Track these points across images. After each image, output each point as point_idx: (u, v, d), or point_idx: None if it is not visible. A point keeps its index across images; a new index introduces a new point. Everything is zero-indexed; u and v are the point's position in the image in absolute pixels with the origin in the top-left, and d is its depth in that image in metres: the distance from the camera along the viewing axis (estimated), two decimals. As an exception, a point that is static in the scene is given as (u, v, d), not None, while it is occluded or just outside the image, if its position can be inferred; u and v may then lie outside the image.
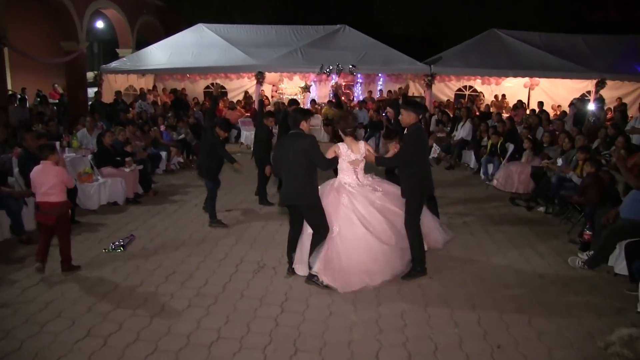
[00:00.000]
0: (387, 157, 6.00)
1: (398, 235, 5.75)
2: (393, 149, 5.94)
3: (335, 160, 5.77)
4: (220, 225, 7.79)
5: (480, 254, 6.78)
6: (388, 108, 9.00)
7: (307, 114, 5.94)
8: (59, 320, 4.86)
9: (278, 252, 6.69)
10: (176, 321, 4.89)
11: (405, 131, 6.01)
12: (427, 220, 6.26)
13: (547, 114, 14.77)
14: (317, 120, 17.04)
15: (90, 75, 19.29)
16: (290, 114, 6.06)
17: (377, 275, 5.62)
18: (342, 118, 5.97)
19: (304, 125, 5.72)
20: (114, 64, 17.77)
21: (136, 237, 7.25)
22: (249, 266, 6.27)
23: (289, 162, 5.58)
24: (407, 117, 5.87)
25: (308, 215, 5.67)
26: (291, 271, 5.98)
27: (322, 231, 5.58)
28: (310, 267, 5.62)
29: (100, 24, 22.54)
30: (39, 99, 17.69)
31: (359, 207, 5.69)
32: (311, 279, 5.61)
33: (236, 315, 5.04)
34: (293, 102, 10.14)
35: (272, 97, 19.23)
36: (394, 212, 5.83)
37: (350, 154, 5.79)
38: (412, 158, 5.76)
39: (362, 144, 5.89)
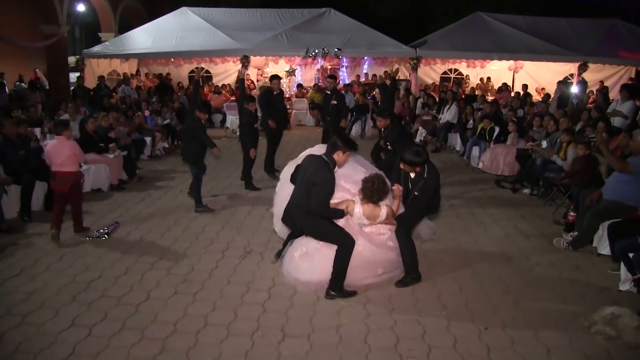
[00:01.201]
0: (406, 212, 5.41)
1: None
2: (397, 192, 5.29)
3: (330, 211, 5.06)
4: (207, 211, 7.74)
5: (467, 237, 6.82)
6: (377, 89, 8.97)
7: (351, 146, 5.12)
8: (42, 311, 4.78)
9: (265, 237, 6.68)
10: (162, 309, 4.84)
11: (417, 168, 5.26)
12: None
13: (531, 96, 14.85)
14: (302, 104, 16.98)
15: (72, 59, 18.92)
16: (332, 137, 5.25)
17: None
18: (376, 191, 5.01)
19: (339, 156, 5.03)
20: (96, 49, 17.47)
21: (121, 224, 7.16)
22: (235, 252, 6.24)
23: (301, 181, 5.11)
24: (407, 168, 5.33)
25: (314, 236, 5.25)
26: (278, 256, 5.92)
27: (339, 245, 5.02)
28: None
29: (81, 7, 22.12)
30: (23, 84, 17.40)
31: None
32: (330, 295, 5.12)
33: (223, 302, 5.01)
34: (275, 77, 10.06)
35: (257, 80, 19.09)
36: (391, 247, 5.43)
37: (363, 219, 5.15)
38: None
39: (384, 211, 5.11)
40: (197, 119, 7.82)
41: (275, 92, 9.81)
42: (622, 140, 7.00)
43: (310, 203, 4.95)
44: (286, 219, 5.40)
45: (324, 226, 5.08)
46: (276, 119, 9.66)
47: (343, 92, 16.38)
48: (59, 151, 6.53)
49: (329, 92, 10.37)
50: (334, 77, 10.99)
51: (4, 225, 6.83)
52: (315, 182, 4.90)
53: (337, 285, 5.08)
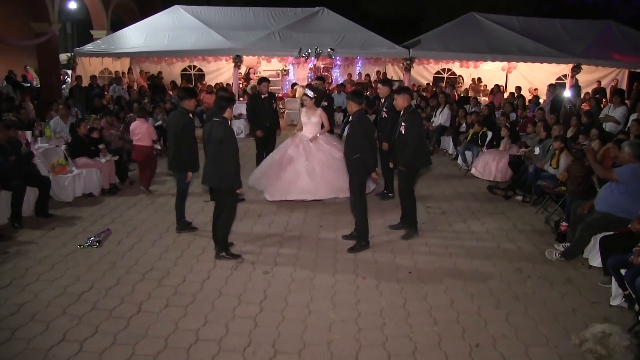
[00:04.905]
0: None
1: (330, 172, 8.01)
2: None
3: (237, 160, 6.10)
4: (190, 230, 7.26)
5: (459, 247, 6.82)
6: (380, 85, 8.97)
7: (232, 101, 6.36)
8: (33, 325, 4.75)
9: (256, 246, 6.68)
10: (154, 323, 4.82)
11: (350, 118, 6.78)
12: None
13: (524, 99, 14.86)
14: (294, 104, 16.92)
15: (63, 57, 18.75)
16: (216, 99, 6.39)
17: (298, 193, 8.06)
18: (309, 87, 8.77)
19: (228, 113, 6.14)
20: (88, 47, 17.28)
21: (112, 231, 7.13)
22: (226, 261, 6.21)
23: (210, 147, 6.06)
24: (349, 107, 6.63)
25: (227, 196, 6.19)
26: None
27: (232, 212, 6.30)
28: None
29: (72, 5, 21.91)
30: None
31: (306, 145, 8.21)
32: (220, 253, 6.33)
33: (214, 315, 4.99)
34: (263, 79, 9.71)
35: (250, 79, 19.03)
36: (331, 152, 8.21)
37: (307, 115, 8.36)
38: (357, 142, 6.37)
39: (318, 111, 8.47)
40: (185, 112, 6.93)
41: (263, 96, 9.40)
42: (612, 151, 7.02)
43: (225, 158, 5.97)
44: (209, 181, 6.33)
45: (228, 193, 6.22)
46: (264, 125, 9.31)
47: (335, 91, 16.49)
48: (138, 130, 8.93)
49: None
50: (322, 78, 10.85)
51: (-6, 233, 6.79)
52: (221, 139, 5.90)
53: (224, 248, 6.28)
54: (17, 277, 5.69)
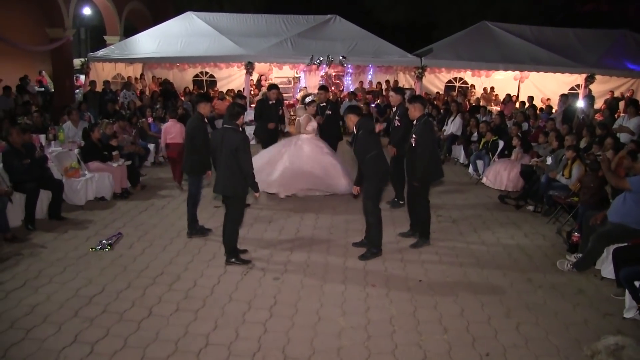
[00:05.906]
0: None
1: (325, 169, 8.87)
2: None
3: (252, 166, 6.06)
4: (201, 235, 7.27)
5: (469, 256, 6.79)
6: (392, 93, 9.01)
7: (245, 108, 6.44)
8: (45, 326, 4.79)
9: (267, 252, 6.69)
10: (164, 327, 4.85)
11: (355, 128, 6.65)
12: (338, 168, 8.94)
13: (535, 108, 14.79)
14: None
15: (77, 62, 18.95)
16: (229, 106, 6.42)
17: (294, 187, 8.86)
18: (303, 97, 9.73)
19: (240, 120, 6.18)
20: (101, 52, 17.44)
21: (123, 235, 7.18)
22: (237, 267, 6.22)
23: (223, 155, 6.01)
24: (349, 121, 6.67)
25: (232, 205, 6.21)
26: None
27: (239, 219, 6.37)
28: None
29: (87, 11, 22.16)
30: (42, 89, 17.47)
31: (305, 145, 8.96)
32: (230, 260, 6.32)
33: (224, 320, 5.00)
34: (272, 86, 10.10)
35: (262, 86, 19.09)
36: (324, 151, 9.10)
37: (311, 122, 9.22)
38: (369, 141, 6.42)
39: (314, 122, 9.26)
40: (199, 116, 7.12)
41: (270, 102, 9.85)
42: (626, 162, 6.98)
43: (241, 166, 5.94)
44: (217, 188, 6.23)
45: (241, 201, 6.30)
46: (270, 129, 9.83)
47: (347, 99, 16.50)
48: (172, 129, 9.51)
49: (323, 104, 9.97)
50: (325, 87, 10.97)
51: (8, 234, 6.85)
52: (236, 147, 5.89)
53: (233, 254, 6.27)
54: (30, 279, 5.75)
